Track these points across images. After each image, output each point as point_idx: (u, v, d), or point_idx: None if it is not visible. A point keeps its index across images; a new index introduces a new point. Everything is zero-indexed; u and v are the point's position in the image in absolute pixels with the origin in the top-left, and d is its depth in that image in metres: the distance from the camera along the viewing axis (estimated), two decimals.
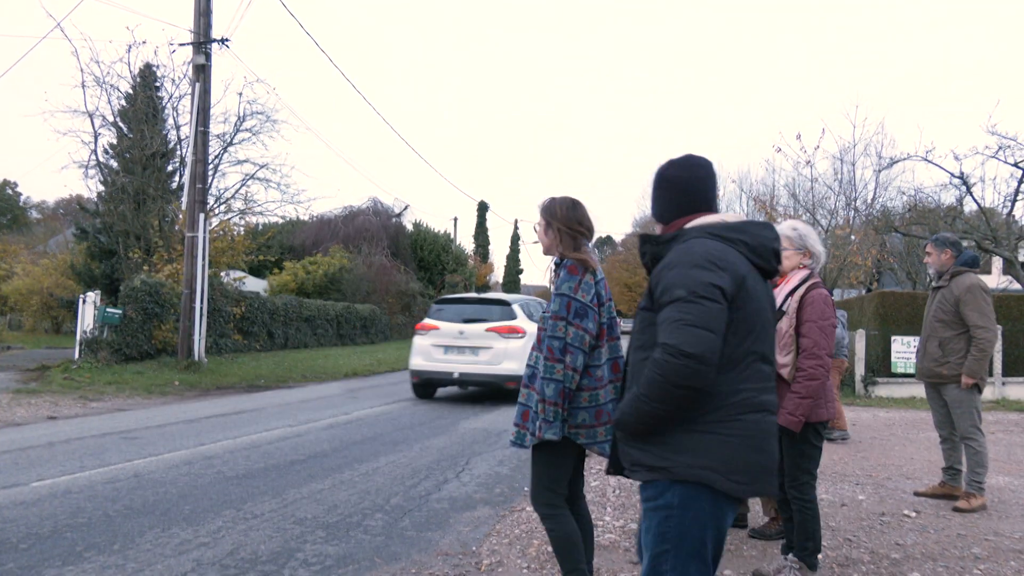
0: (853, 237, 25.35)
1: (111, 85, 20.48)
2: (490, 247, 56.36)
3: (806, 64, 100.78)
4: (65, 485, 5.45)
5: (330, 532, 4.44)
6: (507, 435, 8.17)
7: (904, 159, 22.21)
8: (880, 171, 26.97)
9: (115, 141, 21.50)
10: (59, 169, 35.55)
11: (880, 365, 14.07)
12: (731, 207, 31.16)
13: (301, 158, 59.75)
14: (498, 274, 60.37)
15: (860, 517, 4.99)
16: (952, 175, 20.71)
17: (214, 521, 4.60)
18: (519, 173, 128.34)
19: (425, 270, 37.72)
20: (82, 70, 20.93)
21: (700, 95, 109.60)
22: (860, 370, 13.91)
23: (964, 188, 20.95)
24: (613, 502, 5.30)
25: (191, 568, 3.77)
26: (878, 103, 67.11)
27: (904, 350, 13.77)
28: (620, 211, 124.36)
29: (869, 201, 28.02)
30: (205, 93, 14.73)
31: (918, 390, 13.35)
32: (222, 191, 22.24)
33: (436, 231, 40.20)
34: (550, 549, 4.13)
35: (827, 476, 6.41)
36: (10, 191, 55.62)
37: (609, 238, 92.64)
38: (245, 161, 22.63)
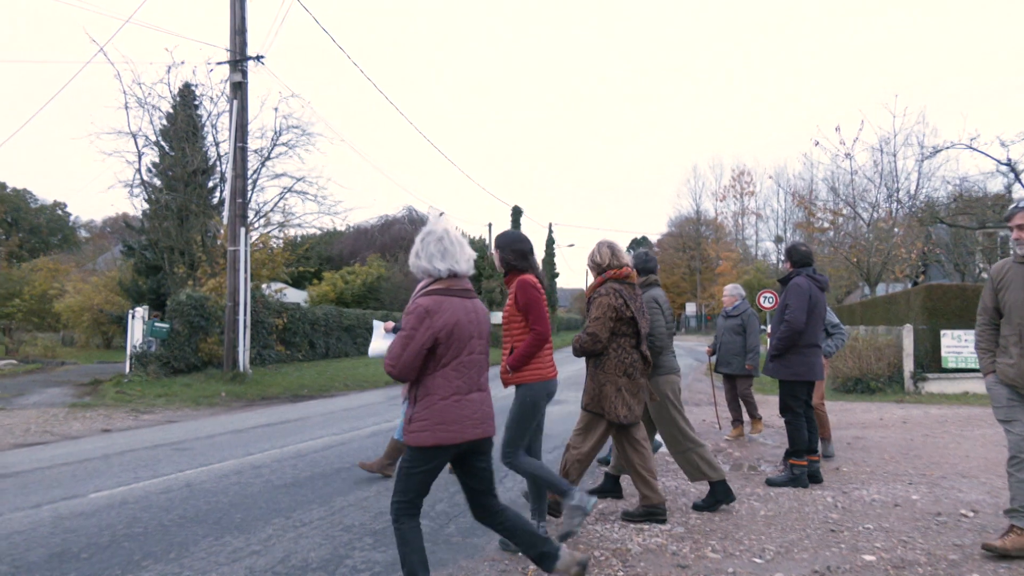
0: (897, 230, 24.77)
1: (153, 105, 21.03)
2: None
3: (843, 55, 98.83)
4: (121, 496, 5.61)
5: (377, 539, 4.49)
6: (549, 439, 8.17)
7: (948, 147, 21.63)
8: (923, 161, 26.32)
9: (158, 160, 22.07)
10: (106, 189, 36.70)
11: (929, 360, 13.70)
12: (768, 203, 30.64)
13: (337, 170, 60.79)
14: None
15: (915, 517, 4.87)
16: (999, 162, 20.10)
17: (264, 529, 4.69)
18: (552, 177, 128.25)
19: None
20: (125, 92, 21.50)
21: (734, 92, 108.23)
22: (909, 366, 13.57)
23: (1012, 175, 20.29)
24: None
25: (244, 575, 3.85)
26: (918, 92, 65.50)
27: (955, 344, 13.40)
28: (655, 211, 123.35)
29: (912, 192, 27.35)
30: (242, 110, 15.06)
31: (971, 385, 12.96)
32: (261, 205, 22.63)
33: (472, 237, 40.40)
34: (597, 554, 4.13)
35: (878, 476, 6.26)
36: (60, 212, 57.54)
37: (644, 238, 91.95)
38: (282, 175, 22.99)
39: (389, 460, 6.30)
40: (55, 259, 36.01)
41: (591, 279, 5.11)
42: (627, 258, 4.74)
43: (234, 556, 4.16)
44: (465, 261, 3.33)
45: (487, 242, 41.98)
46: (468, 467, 3.34)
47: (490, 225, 44.41)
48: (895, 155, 26.50)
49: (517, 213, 54.93)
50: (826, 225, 28.81)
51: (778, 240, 49.27)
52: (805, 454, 5.86)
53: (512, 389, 4.28)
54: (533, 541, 3.39)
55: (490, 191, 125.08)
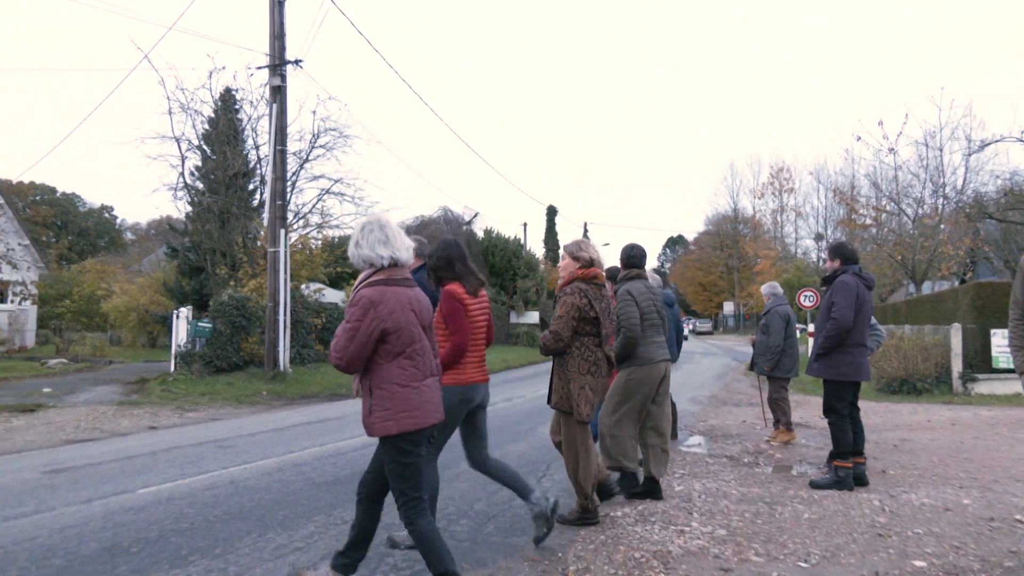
0: (943, 226, 24.09)
1: (195, 110, 21.51)
2: (560, 251, 56.23)
3: (886, 47, 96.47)
4: (168, 492, 5.74)
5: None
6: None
7: (996, 141, 21.00)
8: (970, 155, 25.55)
9: (200, 163, 22.55)
10: (151, 192, 37.86)
11: (979, 360, 13.29)
12: (808, 200, 30.02)
13: (373, 171, 61.45)
14: None
15: (966, 523, 4.72)
16: None
17: (306, 526, 4.76)
18: (587, 176, 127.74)
19: (497, 276, 37.97)
20: (168, 98, 22.04)
21: (772, 87, 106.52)
22: (957, 366, 13.18)
23: None
24: (700, 507, 5.19)
25: (288, 572, 3.90)
26: (965, 84, 63.57)
27: (1005, 344, 12.96)
28: (692, 209, 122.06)
29: (959, 187, 26.55)
30: (282, 113, 15.30)
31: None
32: (300, 207, 22.99)
33: (506, 237, 40.41)
34: (638, 555, 4.09)
35: (927, 479, 6.10)
36: (107, 215, 59.23)
37: (680, 237, 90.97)
38: (320, 176, 23.33)
39: None
40: (102, 261, 37.05)
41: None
42: (597, 257, 4.81)
43: (277, 553, 4.23)
44: (405, 250, 3.36)
45: (522, 241, 41.96)
46: None
47: (525, 225, 44.39)
48: (941, 149, 25.74)
49: (552, 212, 54.86)
50: (868, 222, 28.15)
51: (819, 238, 48.24)
52: (850, 456, 5.73)
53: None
54: (444, 564, 3.33)
55: (524, 190, 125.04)
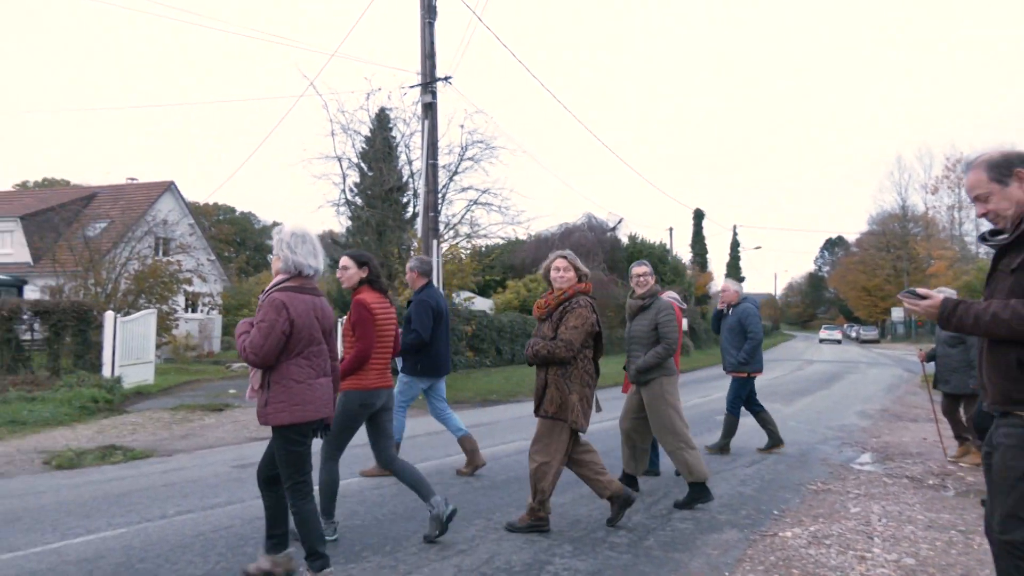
0: None
1: (354, 131, 23.00)
2: (708, 255, 54.45)
3: None
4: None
5: (577, 547, 4.49)
6: (747, 453, 7.76)
7: None
8: None
9: (358, 180, 24.07)
10: (316, 209, 40.90)
11: None
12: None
13: (519, 180, 62.62)
14: (718, 283, 58.00)
15: None
16: None
17: (468, 529, 4.87)
18: (736, 177, 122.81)
19: None
20: (331, 120, 23.78)
21: (943, 73, 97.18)
22: None
23: None
24: (881, 532, 4.78)
25: (453, 573, 4.01)
26: None
27: None
28: (853, 208, 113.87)
29: None
30: (433, 128, 15.95)
31: None
32: (450, 217, 23.88)
33: (651, 242, 39.73)
34: None
35: None
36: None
37: (840, 238, 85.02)
38: (469, 188, 24.12)
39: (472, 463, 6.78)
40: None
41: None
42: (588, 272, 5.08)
43: (442, 554, 4.36)
44: (322, 263, 3.82)
45: (668, 247, 41.05)
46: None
47: (671, 230, 43.43)
48: None
49: (699, 216, 53.34)
50: None
51: None
52: None
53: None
54: (317, 541, 3.70)
55: (670, 194, 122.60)
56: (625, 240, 38.78)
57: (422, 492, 4.62)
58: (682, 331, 6.75)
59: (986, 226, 2.69)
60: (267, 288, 3.73)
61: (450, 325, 6.93)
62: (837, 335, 57.31)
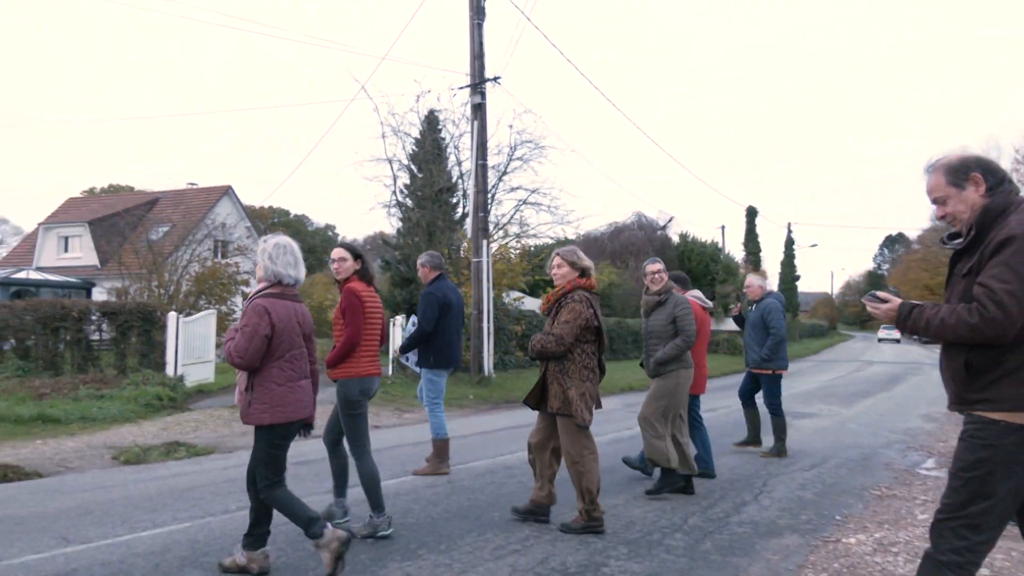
0: None
1: (404, 133, 23.25)
2: (761, 254, 53.28)
3: None
4: (395, 488, 6.17)
5: (632, 548, 4.44)
6: (806, 456, 7.56)
7: None
8: None
9: (408, 181, 24.33)
10: (368, 211, 41.48)
11: None
12: None
13: (567, 180, 62.42)
14: (772, 282, 56.75)
15: None
16: None
17: (522, 529, 4.87)
18: (790, 173, 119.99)
19: (693, 282, 36.70)
20: (381, 123, 24.10)
21: (1006, 69, 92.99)
22: None
23: None
24: None
25: (508, 573, 4.01)
26: None
27: None
28: (915, 203, 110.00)
29: None
30: (482, 129, 16.02)
31: None
32: (499, 218, 23.96)
33: (703, 241, 39.11)
34: None
35: None
36: (330, 233, 65.89)
37: (901, 235, 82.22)
38: (518, 188, 24.17)
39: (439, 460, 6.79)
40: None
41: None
42: (590, 266, 5.06)
43: (497, 553, 4.36)
44: (302, 272, 4.06)
45: (720, 245, 40.34)
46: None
47: (723, 228, 42.67)
48: None
49: (752, 213, 52.16)
50: None
51: None
52: None
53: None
54: (303, 513, 3.88)
55: (722, 192, 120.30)
56: (676, 239, 38.28)
57: (340, 487, 4.99)
58: (709, 330, 6.75)
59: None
60: (250, 296, 4.00)
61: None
62: (895, 334, 55.23)
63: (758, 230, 52.30)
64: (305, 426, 4.08)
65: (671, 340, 5.85)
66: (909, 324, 2.66)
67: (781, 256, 60.11)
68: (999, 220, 2.50)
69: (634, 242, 34.00)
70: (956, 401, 2.62)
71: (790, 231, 58.15)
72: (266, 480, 3.91)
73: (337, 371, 4.77)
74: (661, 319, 5.96)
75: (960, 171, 2.61)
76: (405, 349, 6.88)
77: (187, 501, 5.67)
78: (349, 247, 5.00)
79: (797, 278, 59.15)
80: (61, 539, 4.67)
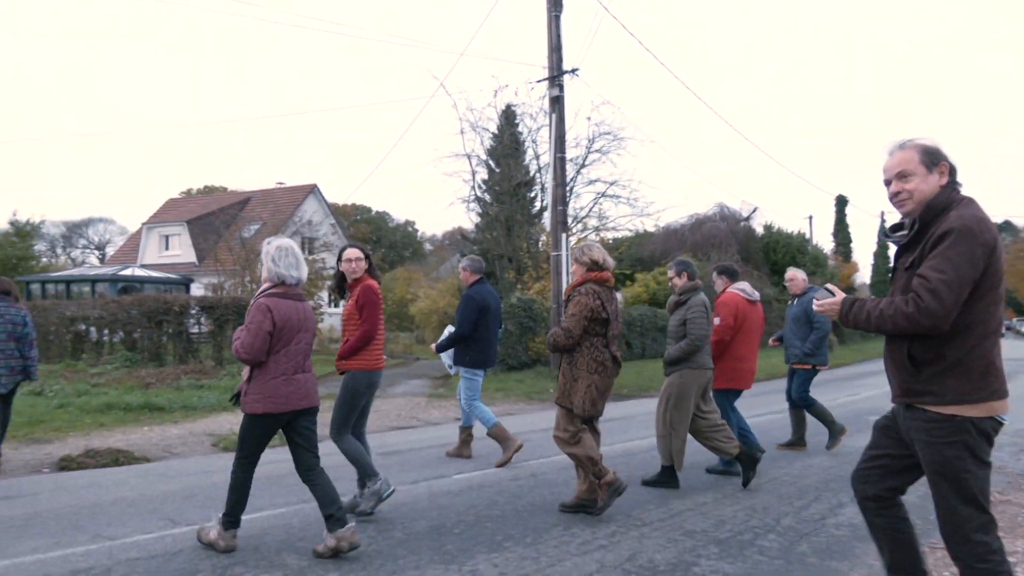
0: None
1: (482, 128, 23.42)
2: (852, 244, 50.96)
3: None
4: (479, 479, 6.24)
5: (723, 548, 4.32)
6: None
7: None
8: None
9: (487, 176, 24.51)
10: (447, 206, 42.15)
11: None
12: None
13: (647, 171, 61.29)
14: (864, 274, 54.15)
15: None
16: None
17: (608, 525, 4.81)
18: (881, 159, 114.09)
19: (779, 274, 35.48)
20: (460, 119, 24.33)
21: None
22: None
23: None
24: None
25: (596, 569, 3.97)
26: None
27: None
28: (1022, 190, 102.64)
29: None
30: (560, 122, 15.93)
31: None
32: (578, 211, 23.80)
33: (789, 232, 37.67)
34: None
35: None
36: (410, 229, 67.22)
37: (1008, 223, 77.00)
38: (596, 180, 23.92)
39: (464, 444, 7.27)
40: (408, 269, 42.08)
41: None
42: (611, 264, 5.12)
43: (583, 548, 4.33)
44: (304, 272, 4.25)
45: (808, 236, 38.83)
46: (296, 429, 4.27)
47: (811, 218, 41.13)
48: None
49: (842, 203, 50.00)
50: None
51: None
52: None
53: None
54: (330, 501, 4.15)
55: (810, 181, 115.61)
56: (760, 230, 37.03)
57: (365, 471, 5.02)
58: (757, 323, 6.58)
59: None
60: (255, 295, 4.24)
61: (499, 321, 7.58)
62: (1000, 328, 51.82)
63: (848, 220, 50.05)
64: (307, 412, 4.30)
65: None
66: (851, 317, 2.73)
67: (874, 247, 57.28)
68: (941, 215, 2.61)
69: (716, 234, 33.04)
70: (901, 393, 2.68)
71: (883, 221, 55.35)
72: (242, 453, 4.22)
73: (348, 363, 4.99)
74: (676, 320, 6.02)
75: (934, 155, 2.72)
76: (442, 348, 7.14)
77: (282, 487, 5.88)
78: (361, 248, 5.22)
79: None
80: (168, 520, 4.94)
